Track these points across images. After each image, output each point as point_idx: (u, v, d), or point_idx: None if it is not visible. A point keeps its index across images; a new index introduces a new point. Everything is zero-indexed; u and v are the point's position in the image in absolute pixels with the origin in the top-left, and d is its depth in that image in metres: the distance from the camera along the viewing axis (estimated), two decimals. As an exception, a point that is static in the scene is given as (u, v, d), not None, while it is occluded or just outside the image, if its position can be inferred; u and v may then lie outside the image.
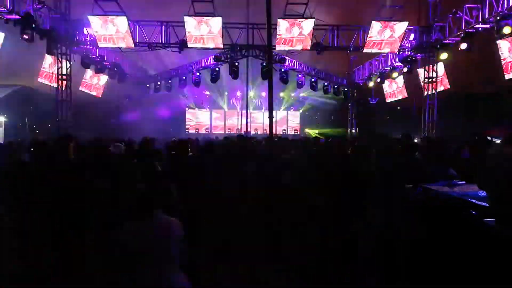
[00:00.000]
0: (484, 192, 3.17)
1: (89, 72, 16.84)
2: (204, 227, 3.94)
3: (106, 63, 15.92)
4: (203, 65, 17.97)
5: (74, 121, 13.76)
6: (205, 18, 12.77)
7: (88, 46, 14.18)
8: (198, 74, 17.45)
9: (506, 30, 10.15)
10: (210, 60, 17.28)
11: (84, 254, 3.60)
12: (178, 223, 2.82)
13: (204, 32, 13.01)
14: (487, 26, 11.06)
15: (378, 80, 17.71)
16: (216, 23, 12.84)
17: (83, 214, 3.70)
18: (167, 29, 13.70)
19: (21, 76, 17.55)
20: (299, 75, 18.42)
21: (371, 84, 18.64)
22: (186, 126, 25.98)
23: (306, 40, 13.20)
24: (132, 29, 13.23)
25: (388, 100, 18.94)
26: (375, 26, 12.93)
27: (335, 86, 20.32)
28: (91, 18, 12.62)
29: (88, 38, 13.73)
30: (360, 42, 13.74)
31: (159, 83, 19.61)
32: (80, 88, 16.86)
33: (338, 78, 20.86)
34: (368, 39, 13.21)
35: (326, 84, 19.94)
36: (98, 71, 15.80)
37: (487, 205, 2.96)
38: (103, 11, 12.67)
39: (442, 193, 3.05)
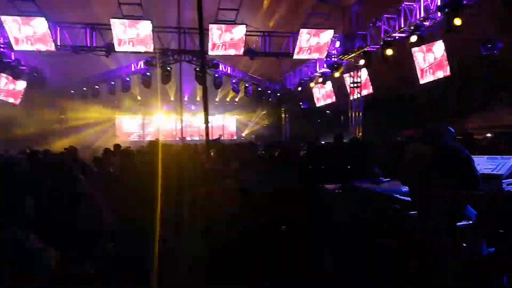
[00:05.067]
0: (407, 187, 3.45)
1: (3, 79, 15.33)
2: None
3: (23, 68, 14.60)
4: (133, 69, 17.30)
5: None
6: (134, 21, 12.35)
7: (1, 49, 12.93)
8: (128, 79, 16.76)
9: (413, 38, 11.25)
10: (141, 64, 16.67)
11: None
12: None
13: (133, 35, 12.55)
14: (403, 35, 12.05)
15: (311, 84, 18.41)
16: (145, 26, 12.47)
17: None
18: (92, 32, 12.99)
19: None
20: (233, 80, 18.53)
21: (300, 89, 19.30)
22: (117, 134, 24.65)
23: (238, 45, 13.34)
24: (53, 31, 12.34)
25: (318, 105, 19.76)
26: (304, 33, 13.48)
27: (268, 92, 20.76)
28: (4, 18, 11.55)
29: (1, 41, 12.53)
30: (290, 48, 14.21)
31: (84, 88, 18.44)
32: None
33: (271, 84, 21.32)
34: (297, 46, 13.72)
35: (260, 89, 20.28)
36: (14, 76, 14.45)
37: (409, 199, 3.21)
38: (18, 11, 11.68)
39: (369, 190, 3.26)
